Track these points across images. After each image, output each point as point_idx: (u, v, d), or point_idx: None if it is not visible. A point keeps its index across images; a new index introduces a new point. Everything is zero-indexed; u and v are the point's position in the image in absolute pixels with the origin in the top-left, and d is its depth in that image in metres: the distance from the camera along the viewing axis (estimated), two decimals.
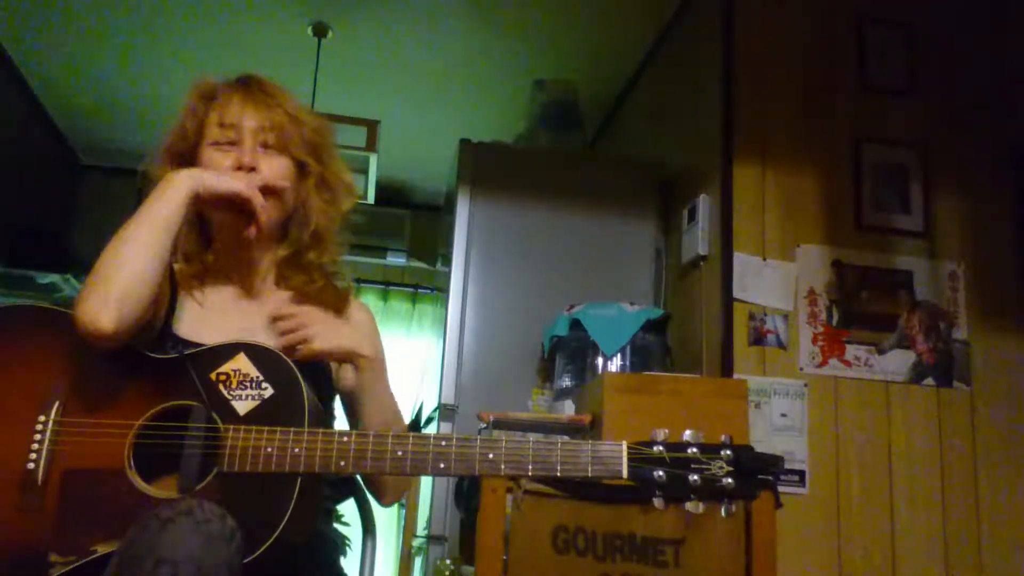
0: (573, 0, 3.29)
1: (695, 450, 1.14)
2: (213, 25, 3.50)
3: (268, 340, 1.33)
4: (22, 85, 4.03)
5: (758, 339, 2.46)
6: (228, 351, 1.20)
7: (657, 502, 1.14)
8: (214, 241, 1.43)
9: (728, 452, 1.13)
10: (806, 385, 2.44)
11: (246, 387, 1.17)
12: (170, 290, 1.33)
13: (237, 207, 1.32)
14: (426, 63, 3.74)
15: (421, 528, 2.89)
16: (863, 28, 2.73)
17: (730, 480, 1.12)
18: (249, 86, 1.44)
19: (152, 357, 1.22)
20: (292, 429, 1.14)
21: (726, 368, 2.43)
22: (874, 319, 2.53)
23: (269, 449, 1.12)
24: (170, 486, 1.14)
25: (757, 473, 1.13)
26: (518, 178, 3.06)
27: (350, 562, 1.47)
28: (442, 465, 1.14)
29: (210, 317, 1.37)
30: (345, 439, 1.14)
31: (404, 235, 4.85)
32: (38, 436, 1.15)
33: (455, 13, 3.39)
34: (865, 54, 2.72)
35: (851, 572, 2.34)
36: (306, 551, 1.26)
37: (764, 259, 2.52)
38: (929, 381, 2.51)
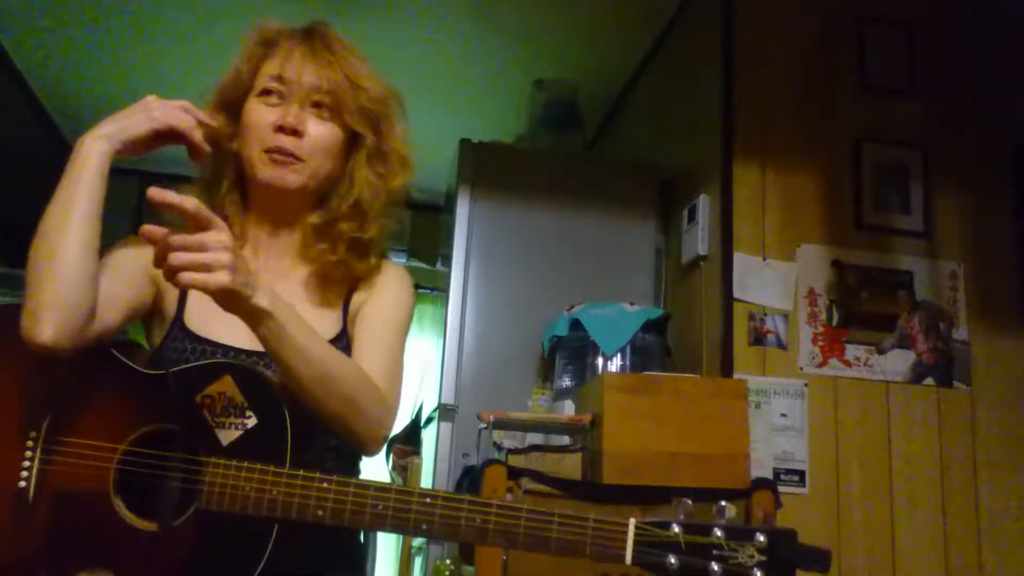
0: (573, 0, 3.29)
1: (721, 533, 0.96)
2: (213, 26, 3.50)
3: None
4: (22, 85, 4.03)
5: (758, 339, 2.46)
6: (214, 372, 1.14)
7: None
8: (245, 212, 1.35)
9: (762, 539, 0.95)
10: (806, 385, 2.44)
11: (230, 414, 1.12)
12: None
13: (176, 138, 1.23)
14: (426, 63, 3.74)
15: None
16: (863, 28, 2.73)
17: (760, 573, 0.94)
18: (312, 39, 1.35)
19: (140, 372, 1.17)
20: (271, 470, 1.07)
21: (726, 368, 2.43)
22: (874, 319, 2.53)
23: (247, 489, 1.06)
24: (149, 514, 1.11)
25: (795, 568, 0.94)
26: (518, 178, 3.06)
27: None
28: (424, 527, 1.05)
29: None
30: (325, 485, 1.06)
31: (404, 235, 4.84)
32: (29, 453, 1.13)
33: (455, 13, 3.39)
34: (865, 54, 2.72)
35: (851, 572, 2.34)
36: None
37: (764, 259, 2.52)
38: (929, 381, 2.51)
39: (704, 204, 2.68)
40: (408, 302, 1.42)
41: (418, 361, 4.45)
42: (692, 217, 2.72)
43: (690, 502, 1.00)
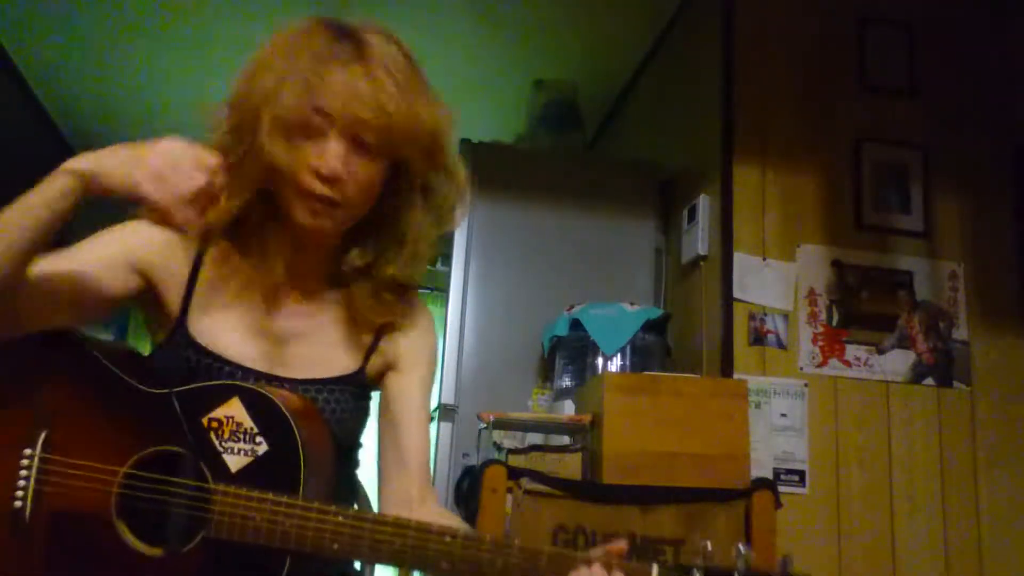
0: (573, 1, 3.29)
1: None
2: (213, 26, 3.50)
3: (293, 352, 1.24)
4: (22, 85, 4.03)
5: (758, 339, 2.46)
6: (222, 393, 1.10)
7: None
8: (277, 230, 1.21)
9: None
10: (806, 385, 2.44)
11: (239, 439, 1.07)
12: (189, 271, 1.22)
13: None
14: (426, 63, 3.73)
15: None
16: (863, 28, 2.73)
17: None
18: (362, 56, 1.15)
19: (141, 390, 1.12)
20: (284, 499, 1.03)
21: (726, 368, 2.43)
22: (874, 319, 2.53)
23: (259, 519, 1.03)
24: (155, 539, 1.07)
25: None
26: (518, 178, 3.06)
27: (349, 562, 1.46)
28: (444, 565, 1.02)
29: (236, 315, 1.22)
30: (341, 519, 1.03)
31: None
32: (24, 472, 1.08)
33: (455, 13, 3.39)
34: (865, 54, 2.72)
35: (851, 572, 2.34)
36: None
37: (764, 259, 2.52)
38: (929, 381, 2.51)
39: (704, 204, 2.68)
40: (436, 363, 1.37)
41: None
42: (692, 217, 2.72)
43: (709, 544, 0.99)
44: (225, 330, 1.21)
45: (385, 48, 1.19)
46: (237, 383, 1.13)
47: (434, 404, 2.90)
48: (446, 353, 2.85)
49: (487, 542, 1.03)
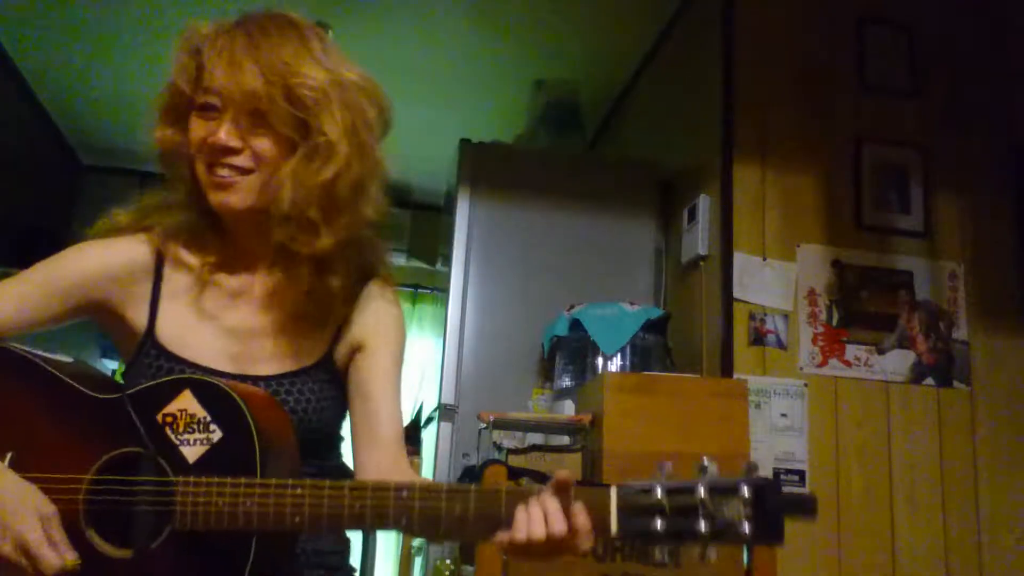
0: (573, 1, 3.29)
1: (704, 491, 0.91)
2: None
3: (259, 348, 1.25)
4: (22, 85, 4.03)
5: (758, 339, 2.46)
6: (173, 388, 1.10)
7: (656, 552, 0.94)
8: (226, 233, 1.25)
9: (747, 492, 0.90)
10: (806, 385, 2.44)
11: (193, 430, 1.07)
12: (151, 285, 1.24)
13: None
14: (426, 63, 3.74)
15: None
16: (863, 28, 2.73)
17: (749, 526, 0.89)
18: (236, 36, 1.18)
19: (95, 398, 1.12)
20: (243, 481, 1.03)
21: (726, 368, 2.43)
22: (874, 319, 2.53)
23: (220, 504, 1.03)
24: (125, 541, 1.07)
25: (783, 516, 0.90)
26: (518, 178, 3.06)
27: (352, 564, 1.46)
28: (404, 521, 1.01)
29: (201, 320, 1.24)
30: (299, 491, 1.02)
31: (404, 235, 4.85)
32: None
33: (455, 13, 3.39)
34: (865, 54, 2.72)
35: (851, 572, 2.34)
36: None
37: (764, 259, 2.52)
38: (929, 381, 2.51)
39: (704, 204, 2.68)
40: (404, 336, 1.35)
41: (418, 361, 4.45)
42: (692, 217, 2.72)
43: (670, 464, 0.96)
44: (193, 336, 1.23)
45: (265, 22, 1.21)
46: (187, 376, 1.14)
47: (434, 404, 2.90)
48: (446, 353, 2.85)
49: (443, 490, 1.01)
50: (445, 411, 2.79)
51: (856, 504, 2.39)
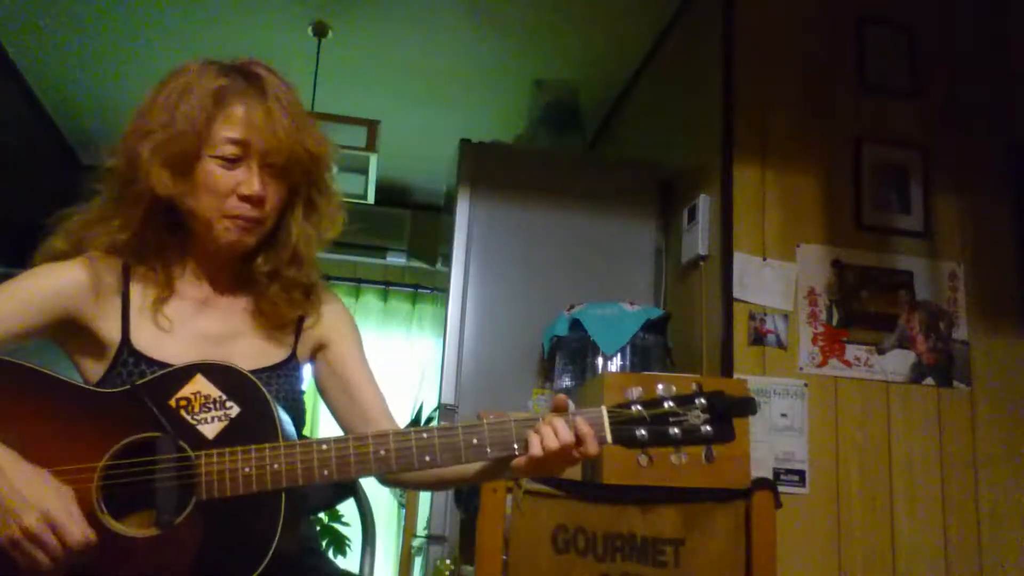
0: (573, 1, 3.29)
1: (671, 403, 1.16)
2: (213, 25, 3.50)
3: (232, 350, 1.30)
4: (22, 85, 4.03)
5: (758, 339, 2.46)
6: (183, 374, 1.15)
7: (642, 459, 1.17)
8: (188, 246, 1.35)
9: (702, 400, 1.16)
10: (806, 385, 2.45)
11: (210, 409, 1.12)
12: (120, 298, 1.29)
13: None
14: (426, 63, 3.74)
15: (421, 528, 2.89)
16: (863, 28, 2.73)
17: (708, 428, 1.14)
18: (266, 96, 1.29)
19: (103, 393, 1.17)
20: (268, 445, 1.09)
21: (726, 368, 2.43)
22: (874, 319, 2.53)
23: (247, 469, 1.08)
24: (147, 523, 1.09)
25: (732, 416, 1.16)
26: (518, 178, 3.06)
27: (350, 562, 1.46)
28: (427, 458, 1.11)
29: (173, 327, 1.29)
30: (324, 447, 1.10)
31: (404, 235, 4.85)
32: None
33: (455, 13, 3.39)
34: (865, 54, 2.72)
35: (851, 572, 2.34)
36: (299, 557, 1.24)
37: (764, 259, 2.52)
38: (929, 381, 2.51)
39: (704, 204, 2.68)
40: (357, 327, 1.48)
41: (418, 361, 4.46)
42: (692, 217, 2.72)
43: (639, 388, 1.18)
44: (168, 342, 1.27)
45: (274, 80, 1.33)
46: (196, 362, 1.18)
47: (434, 404, 2.90)
48: (446, 353, 2.85)
49: (459, 426, 1.14)
50: (445, 411, 2.79)
51: (856, 504, 2.39)
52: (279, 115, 1.28)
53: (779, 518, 2.00)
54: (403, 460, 1.11)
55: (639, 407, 1.16)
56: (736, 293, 2.48)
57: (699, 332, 2.62)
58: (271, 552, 1.06)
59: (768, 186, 2.59)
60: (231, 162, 1.27)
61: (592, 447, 1.15)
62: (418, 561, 2.96)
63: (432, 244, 4.08)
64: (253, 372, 1.26)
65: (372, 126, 3.44)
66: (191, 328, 1.31)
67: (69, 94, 4.15)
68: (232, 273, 1.37)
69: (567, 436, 1.14)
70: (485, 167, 3.02)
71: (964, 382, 2.53)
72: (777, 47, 2.70)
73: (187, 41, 3.64)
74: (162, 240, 1.32)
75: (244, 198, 1.27)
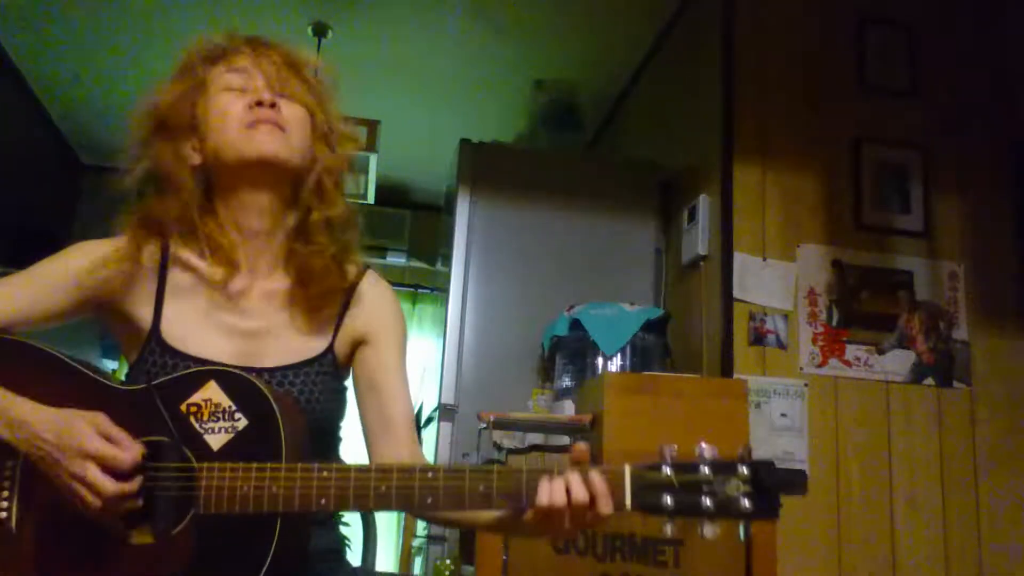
0: (573, 0, 3.29)
1: (708, 470, 1.01)
2: (213, 25, 3.50)
3: (265, 345, 1.27)
4: (22, 85, 4.03)
5: (758, 339, 2.46)
6: (198, 379, 1.13)
7: (667, 528, 1.02)
8: (224, 228, 1.29)
9: (745, 469, 1.01)
10: (806, 385, 2.44)
11: (218, 419, 1.10)
12: (156, 284, 1.26)
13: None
14: (426, 63, 3.74)
15: (421, 528, 2.89)
16: (863, 28, 2.73)
17: (748, 502, 1.00)
18: (253, 38, 1.38)
19: (119, 389, 1.15)
20: (269, 465, 1.06)
21: (726, 368, 2.43)
22: (874, 319, 2.53)
23: (245, 488, 1.05)
24: (141, 527, 1.08)
25: (778, 491, 1.01)
26: (518, 178, 3.06)
27: (350, 561, 1.46)
28: (429, 500, 1.04)
29: (205, 318, 1.26)
30: (325, 474, 1.05)
31: (404, 235, 4.85)
32: (7, 483, 1.10)
33: (455, 13, 3.39)
34: (865, 54, 2.72)
35: (851, 572, 2.34)
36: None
37: (764, 259, 2.52)
38: (929, 381, 2.51)
39: (704, 204, 2.68)
40: (405, 326, 1.42)
41: (418, 361, 4.45)
42: (692, 217, 2.72)
43: (675, 445, 1.03)
44: (197, 333, 1.24)
45: (264, 35, 1.40)
46: (212, 367, 1.17)
47: (434, 404, 2.90)
48: (446, 353, 2.85)
49: (467, 470, 1.05)
50: (445, 411, 2.79)
51: (856, 504, 2.39)
52: (271, 45, 1.36)
53: (779, 518, 2.00)
54: (403, 500, 1.05)
55: (670, 470, 1.01)
56: (736, 293, 2.48)
57: (699, 332, 2.62)
58: (263, 574, 1.04)
59: (768, 186, 2.59)
60: (238, 92, 1.30)
61: (604, 508, 1.02)
62: (418, 561, 2.96)
63: (432, 244, 4.08)
64: (285, 368, 1.25)
65: (372, 126, 3.45)
66: (222, 320, 1.27)
67: (69, 94, 4.15)
68: (275, 258, 1.32)
69: (580, 495, 1.02)
70: (485, 167, 3.02)
71: (964, 382, 2.53)
72: (777, 47, 2.70)
73: (187, 41, 3.63)
74: (204, 228, 1.29)
75: (257, 103, 1.28)
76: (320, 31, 3.53)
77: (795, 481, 1.04)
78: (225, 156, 1.28)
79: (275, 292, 1.31)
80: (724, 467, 1.01)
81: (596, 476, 1.02)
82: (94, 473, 1.03)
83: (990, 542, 2.42)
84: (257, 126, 1.27)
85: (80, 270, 1.24)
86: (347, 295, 1.34)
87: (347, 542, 1.41)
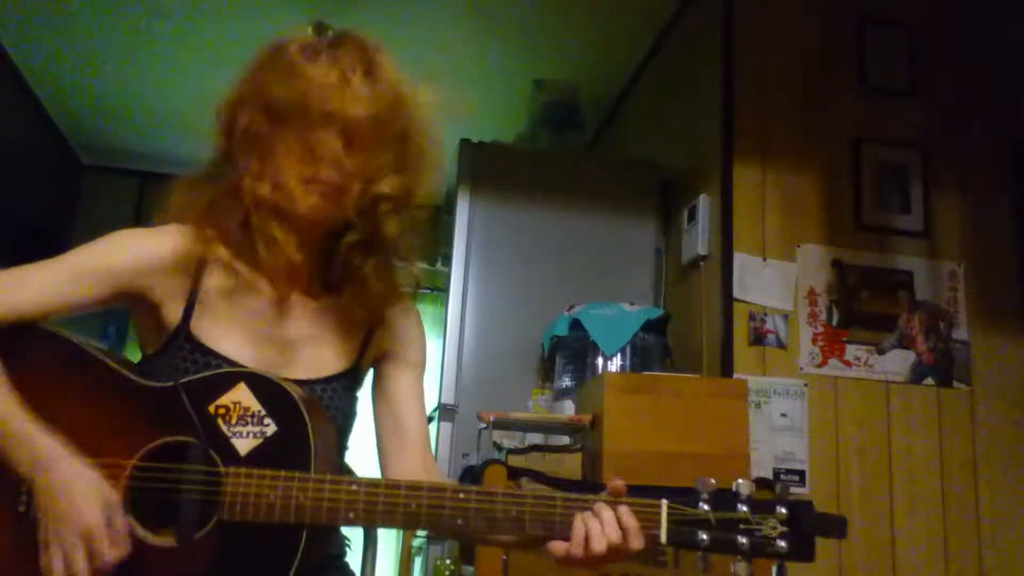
0: (573, 1, 3.29)
1: (745, 508, 1.01)
2: (213, 25, 3.50)
3: (295, 356, 1.25)
4: (22, 85, 4.03)
5: (758, 339, 2.46)
6: (227, 380, 1.11)
7: (699, 564, 1.03)
8: (255, 236, 1.23)
9: (783, 511, 1.00)
10: (806, 385, 2.44)
11: (247, 423, 1.08)
12: (191, 281, 1.22)
13: None
14: (426, 63, 3.73)
15: None
16: (863, 28, 2.73)
17: (783, 543, 0.99)
18: (355, 64, 1.25)
19: (147, 386, 1.13)
20: (297, 475, 1.04)
21: (726, 368, 2.43)
22: (874, 319, 2.53)
23: (272, 497, 1.03)
24: (163, 528, 1.07)
25: (815, 535, 1.00)
26: (518, 178, 3.06)
27: (350, 562, 1.46)
28: (459, 522, 1.03)
29: (238, 321, 1.23)
30: (355, 487, 1.04)
31: None
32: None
33: (455, 13, 3.39)
34: (865, 54, 2.72)
35: (851, 572, 2.34)
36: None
37: (764, 259, 2.52)
38: (929, 381, 2.51)
39: (704, 204, 2.68)
40: (426, 350, 1.40)
41: None
42: (692, 217, 2.72)
43: (713, 480, 1.02)
44: (229, 337, 1.22)
45: (356, 42, 1.29)
46: (242, 369, 1.15)
47: (434, 404, 2.90)
48: (446, 353, 2.85)
49: (500, 493, 1.04)
50: (445, 411, 2.79)
51: (856, 504, 2.39)
52: (366, 80, 1.24)
53: None
54: (434, 520, 1.04)
55: (707, 506, 1.01)
56: (736, 293, 2.48)
57: (699, 332, 2.62)
58: None
59: (768, 186, 2.58)
60: (309, 124, 1.20)
61: (635, 544, 1.02)
62: (418, 561, 2.96)
63: (432, 244, 4.07)
64: (313, 382, 1.24)
65: None
66: (254, 327, 1.24)
67: (69, 94, 4.15)
68: (319, 273, 1.29)
69: (614, 535, 1.02)
70: (485, 167, 3.02)
71: (964, 382, 2.53)
72: (777, 47, 2.70)
73: (187, 42, 3.64)
74: (249, 230, 1.23)
75: (320, 161, 1.19)
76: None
77: (834, 526, 1.01)
78: (277, 195, 1.22)
79: (312, 304, 1.29)
80: (762, 505, 1.01)
81: (626, 512, 1.03)
82: (78, 555, 1.02)
83: (990, 541, 2.42)
84: (313, 184, 1.20)
85: (124, 270, 1.20)
86: (377, 318, 1.33)
87: (348, 543, 1.41)
